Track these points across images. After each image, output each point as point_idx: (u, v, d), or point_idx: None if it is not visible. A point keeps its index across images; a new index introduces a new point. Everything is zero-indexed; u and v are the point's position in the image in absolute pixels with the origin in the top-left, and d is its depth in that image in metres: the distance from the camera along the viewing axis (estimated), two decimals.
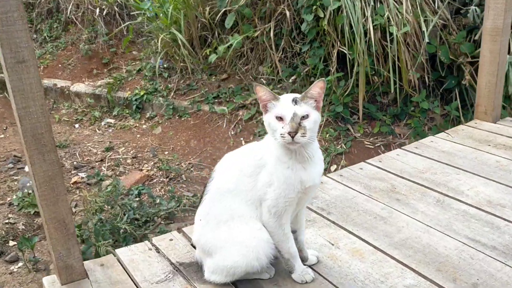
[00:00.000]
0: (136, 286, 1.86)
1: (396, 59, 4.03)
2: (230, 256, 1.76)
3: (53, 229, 1.71)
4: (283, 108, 1.66)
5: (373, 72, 4.18)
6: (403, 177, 2.65)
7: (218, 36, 5.38)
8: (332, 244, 2.09)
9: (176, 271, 1.93)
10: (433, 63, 4.27)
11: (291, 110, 1.64)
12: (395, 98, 4.44)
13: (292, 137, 1.62)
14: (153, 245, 2.10)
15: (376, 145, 4.33)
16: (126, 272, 1.93)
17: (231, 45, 4.84)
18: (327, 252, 2.05)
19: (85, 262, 1.92)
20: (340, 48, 4.22)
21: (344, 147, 4.33)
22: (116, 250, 2.04)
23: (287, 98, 1.70)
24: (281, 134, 1.64)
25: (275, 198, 1.74)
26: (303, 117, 1.65)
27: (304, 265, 1.93)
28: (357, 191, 2.53)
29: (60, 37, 7.20)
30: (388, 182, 2.60)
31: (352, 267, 1.95)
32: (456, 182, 2.56)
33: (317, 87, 1.69)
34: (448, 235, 2.13)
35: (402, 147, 2.99)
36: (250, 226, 1.77)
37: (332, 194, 2.50)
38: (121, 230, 3.34)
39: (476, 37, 3.95)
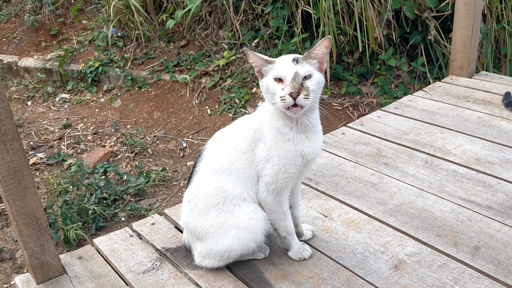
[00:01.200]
0: (122, 278, 1.72)
1: (362, 17, 3.93)
2: (225, 240, 1.64)
3: (23, 226, 1.54)
4: (283, 68, 1.51)
5: (339, 32, 4.08)
6: (387, 140, 2.58)
7: (174, 0, 5.12)
8: (325, 216, 2.01)
9: (163, 257, 1.80)
10: (397, 19, 4.20)
11: (292, 70, 1.50)
12: (360, 57, 4.37)
13: (294, 99, 1.47)
14: (134, 231, 1.93)
15: (344, 106, 4.28)
16: (108, 263, 1.78)
17: (189, 9, 4.61)
18: (322, 225, 1.96)
19: (62, 256, 1.76)
20: (305, 8, 4.08)
21: None
22: (94, 239, 1.87)
23: (286, 58, 1.56)
24: (281, 97, 1.48)
25: (274, 174, 1.61)
26: (305, 77, 1.50)
27: (300, 241, 1.85)
28: (342, 157, 2.44)
29: (1, 9, 6.70)
30: (373, 146, 2.53)
31: (350, 239, 1.87)
32: (441, 141, 2.52)
33: (322, 46, 1.53)
34: (442, 198, 2.08)
35: (382, 109, 2.91)
36: (244, 209, 1.65)
37: (318, 162, 2.40)
38: (90, 211, 3.17)
39: None
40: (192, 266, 1.74)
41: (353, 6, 3.93)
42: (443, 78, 4.06)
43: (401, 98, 4.07)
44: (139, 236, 1.88)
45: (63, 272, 1.69)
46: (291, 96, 1.46)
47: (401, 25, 4.15)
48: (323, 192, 2.18)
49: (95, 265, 1.75)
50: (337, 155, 2.47)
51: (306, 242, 1.89)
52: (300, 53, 4.25)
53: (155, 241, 1.86)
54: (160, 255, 1.81)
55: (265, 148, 1.61)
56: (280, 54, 4.43)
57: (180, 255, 1.80)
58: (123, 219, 3.29)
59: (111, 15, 5.18)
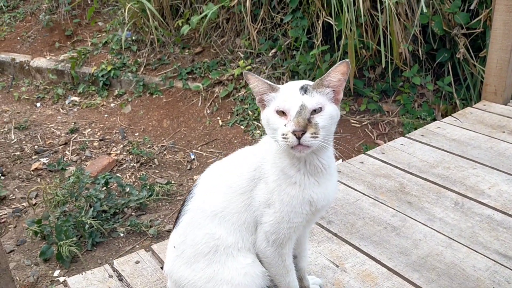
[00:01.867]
0: None
1: (386, 31, 3.70)
2: None
3: None
4: (287, 99, 1.26)
5: (361, 45, 3.85)
6: (412, 173, 2.29)
7: (191, 6, 4.95)
8: (337, 266, 1.74)
9: None
10: (424, 35, 3.95)
11: (298, 101, 1.25)
12: (382, 72, 4.13)
13: (298, 138, 1.21)
14: (114, 270, 1.69)
15: (363, 123, 4.04)
16: None
17: (206, 15, 4.42)
18: (332, 277, 1.69)
19: None
20: (326, 19, 3.86)
21: None
22: (68, 279, 1.64)
23: (292, 86, 1.31)
24: (283, 135, 1.24)
25: (275, 222, 1.35)
26: (315, 111, 1.25)
27: None
28: (360, 192, 2.15)
29: (18, 7, 6.61)
30: (395, 179, 2.23)
31: None
32: (474, 178, 2.23)
33: (338, 72, 1.28)
34: (475, 251, 1.79)
35: (406, 135, 2.61)
36: (239, 261, 1.40)
37: None
38: (87, 226, 2.98)
39: (472, 7, 3.64)
40: None
41: (378, 19, 3.70)
42: (470, 99, 3.80)
43: (424, 118, 3.83)
44: (120, 277, 1.64)
45: None
46: (295, 134, 1.22)
47: (428, 41, 3.91)
48: (335, 234, 1.91)
49: None
50: (354, 189, 2.20)
51: None
52: (318, 67, 4.04)
53: (136, 285, 1.62)
54: None
55: (266, 190, 1.37)
56: (298, 66, 4.22)
57: None
58: (121, 234, 3.09)
59: (126, 18, 5.02)
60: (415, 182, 2.23)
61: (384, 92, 4.16)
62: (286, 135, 1.23)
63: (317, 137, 1.22)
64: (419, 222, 1.96)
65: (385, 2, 3.51)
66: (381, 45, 3.65)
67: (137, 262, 1.73)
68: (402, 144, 2.51)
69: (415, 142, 2.54)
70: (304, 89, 1.28)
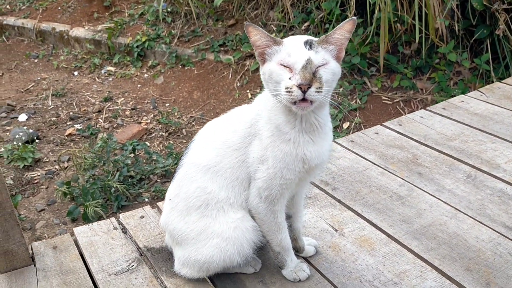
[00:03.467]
0: (91, 277, 1.54)
1: (422, 4, 3.57)
2: (204, 250, 1.41)
3: None
4: (292, 53, 1.23)
5: (396, 19, 3.73)
6: (427, 145, 2.21)
7: None
8: (336, 230, 1.72)
9: (142, 258, 1.61)
10: (463, 10, 3.79)
11: (304, 55, 1.22)
12: (418, 49, 4.00)
13: (304, 92, 1.20)
14: (119, 223, 1.75)
15: (395, 100, 3.94)
16: (82, 258, 1.61)
17: None
18: (329, 240, 1.68)
19: (36, 244, 1.61)
20: None
21: (360, 102, 3.95)
22: (74, 228, 1.71)
23: (297, 39, 1.28)
24: (287, 88, 1.21)
25: (268, 178, 1.35)
26: (319, 66, 1.23)
27: (298, 257, 1.59)
28: (370, 161, 2.11)
29: None
30: (408, 150, 2.17)
31: (359, 261, 1.58)
32: (491, 152, 2.14)
33: (344, 30, 1.26)
34: (480, 222, 1.74)
35: (427, 108, 2.52)
36: (230, 216, 1.41)
37: (339, 164, 2.09)
38: (113, 189, 3.07)
39: None
40: (170, 272, 1.53)
41: None
42: (509, 77, 3.64)
43: None
44: (124, 229, 1.70)
45: (31, 262, 1.53)
46: (300, 88, 1.20)
47: (466, 17, 3.74)
48: (339, 201, 1.88)
49: (68, 258, 1.58)
50: (364, 158, 2.15)
51: (306, 259, 1.62)
52: (351, 41, 3.95)
53: (138, 238, 1.67)
54: (140, 255, 1.62)
55: (260, 147, 1.35)
56: None
57: (161, 258, 1.60)
58: (146, 199, 3.17)
59: None
60: (429, 153, 2.17)
61: (419, 69, 4.04)
62: (290, 88, 1.21)
63: (321, 91, 1.22)
64: (426, 192, 1.92)
65: None
66: (415, 19, 3.52)
67: (142, 217, 1.78)
68: (422, 117, 2.44)
69: (435, 115, 2.45)
70: (309, 44, 1.25)
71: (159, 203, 1.88)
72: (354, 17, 1.28)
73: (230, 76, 4.59)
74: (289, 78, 1.22)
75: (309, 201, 1.86)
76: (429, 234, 1.71)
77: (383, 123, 2.42)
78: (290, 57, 1.24)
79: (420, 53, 3.97)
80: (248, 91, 4.41)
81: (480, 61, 3.71)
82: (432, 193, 1.91)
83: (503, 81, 2.96)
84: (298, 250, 1.62)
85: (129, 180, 3.25)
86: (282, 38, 4.31)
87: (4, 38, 6.27)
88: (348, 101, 3.93)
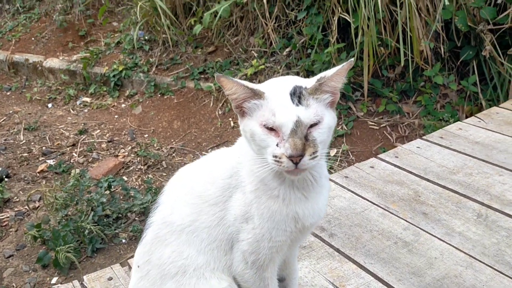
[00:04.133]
0: None
1: (406, 28, 3.48)
2: None
3: None
4: (277, 111, 1.02)
5: (380, 43, 3.63)
6: (428, 180, 2.04)
7: (204, 4, 4.80)
8: None
9: None
10: (447, 32, 3.71)
11: (291, 116, 1.01)
12: (403, 72, 3.91)
13: (296, 163, 1.01)
14: (84, 287, 1.54)
15: (382, 125, 3.82)
16: None
17: (217, 13, 4.27)
18: None
19: None
20: (342, 15, 3.66)
21: (346, 128, 3.81)
22: None
23: (281, 90, 1.05)
24: (276, 157, 1.02)
25: (254, 241, 1.14)
26: (313, 125, 1.04)
27: None
28: (368, 200, 1.92)
29: (33, 8, 6.59)
30: (409, 186, 1.99)
31: None
32: (499, 187, 1.98)
33: (342, 75, 1.07)
34: (501, 272, 1.55)
35: (423, 137, 2.36)
36: (212, 284, 1.17)
37: (335, 205, 1.90)
38: (87, 231, 2.85)
39: (499, 0, 3.39)
40: None
41: (397, 14, 3.49)
42: (498, 100, 3.54)
43: (448, 120, 3.59)
44: None
45: None
46: (292, 160, 1.01)
47: (451, 38, 3.67)
48: (337, 250, 1.68)
49: None
50: (362, 197, 1.96)
51: None
52: (334, 65, 3.84)
53: None
54: None
55: (243, 201, 1.15)
56: (313, 66, 4.02)
57: None
58: (123, 240, 2.95)
59: (138, 17, 4.91)
60: (432, 189, 1.98)
61: (404, 93, 3.94)
62: (279, 158, 1.02)
63: (316, 156, 1.03)
64: (435, 236, 1.73)
65: None
66: (400, 42, 3.43)
67: (110, 279, 1.56)
68: (419, 147, 2.26)
69: (433, 144, 2.29)
70: (297, 96, 1.04)
71: (130, 260, 1.66)
72: (352, 59, 1.10)
73: (211, 104, 4.43)
74: (277, 144, 1.03)
75: (303, 252, 1.66)
76: None
77: (378, 155, 2.25)
78: (274, 117, 1.03)
79: (404, 76, 3.87)
80: (230, 119, 4.25)
81: (467, 83, 3.62)
82: (442, 238, 1.72)
83: (500, 105, 2.83)
84: None
85: (105, 219, 3.03)
86: (263, 63, 4.10)
87: None
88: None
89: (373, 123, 3.84)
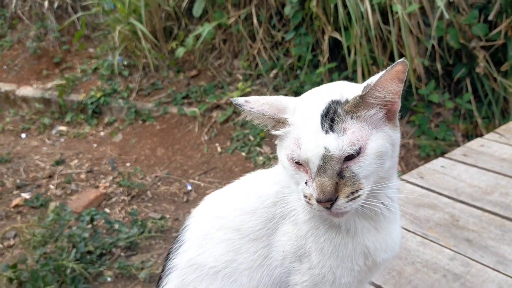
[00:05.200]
0: None
1: (398, 45, 3.39)
2: None
3: None
4: (302, 141, 0.83)
5: (372, 61, 3.53)
6: (462, 202, 1.86)
7: (186, 27, 4.66)
8: None
9: None
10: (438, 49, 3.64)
11: (318, 148, 0.82)
12: None
13: (328, 208, 0.83)
14: None
15: None
16: None
17: (201, 35, 4.12)
18: None
19: None
20: (332, 34, 3.56)
21: None
22: None
23: (310, 110, 0.85)
24: (306, 198, 0.85)
25: (312, 284, 0.93)
26: (350, 157, 0.83)
27: None
28: (403, 227, 1.69)
29: (5, 35, 6.33)
30: (443, 210, 1.81)
31: None
32: None
33: (393, 80, 0.83)
34: None
35: (446, 156, 2.18)
36: None
37: None
38: (68, 270, 2.59)
39: (491, 17, 3.35)
40: None
41: (389, 32, 3.40)
42: (493, 117, 3.47)
43: (443, 139, 3.48)
44: None
45: None
46: (320, 203, 0.82)
47: (442, 56, 3.60)
48: (379, 287, 1.44)
49: None
50: None
51: None
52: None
53: None
54: None
55: (294, 235, 0.95)
56: (302, 87, 3.89)
57: None
58: (109, 279, 2.70)
59: (117, 42, 4.73)
60: (470, 213, 1.80)
61: None
62: (309, 199, 0.84)
63: (358, 195, 0.83)
64: (487, 266, 1.53)
65: (397, 13, 3.21)
66: (394, 60, 3.33)
67: None
68: (443, 166, 2.10)
69: (457, 163, 2.12)
70: (329, 119, 0.83)
71: None
72: (404, 59, 0.86)
73: (196, 130, 4.23)
74: (306, 183, 0.85)
75: None
76: None
77: (401, 176, 2.08)
78: (299, 149, 0.85)
79: None
80: (217, 144, 4.06)
81: (461, 101, 3.53)
82: (495, 267, 1.53)
83: None
84: None
85: (88, 256, 2.77)
86: (250, 86, 3.92)
87: None
88: None
89: (412, 171, 3.68)
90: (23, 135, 4.84)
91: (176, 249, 1.03)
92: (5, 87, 5.43)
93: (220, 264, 0.97)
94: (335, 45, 3.73)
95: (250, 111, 0.88)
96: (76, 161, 4.18)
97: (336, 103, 0.85)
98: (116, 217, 3.28)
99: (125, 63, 5.00)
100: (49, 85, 5.25)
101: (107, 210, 3.36)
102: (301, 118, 0.86)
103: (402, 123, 3.78)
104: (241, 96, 3.69)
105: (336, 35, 3.52)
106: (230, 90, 4.31)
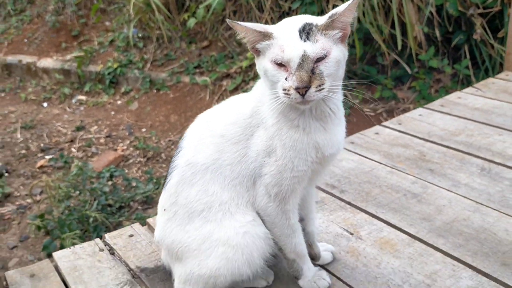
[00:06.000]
0: None
1: (400, 14, 3.54)
2: (209, 261, 1.22)
3: None
4: (285, 48, 1.09)
5: (374, 29, 3.69)
6: (432, 142, 2.11)
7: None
8: (351, 234, 1.58)
9: (136, 280, 1.42)
10: (439, 17, 3.78)
11: (298, 51, 1.08)
12: (396, 60, 3.97)
13: (303, 95, 1.08)
14: (106, 244, 1.56)
15: (378, 112, 3.88)
16: (66, 285, 1.39)
17: (211, 6, 4.31)
18: (346, 245, 1.53)
19: (10, 273, 1.40)
20: (336, 3, 3.72)
21: None
22: (54, 253, 1.51)
23: (289, 28, 1.12)
24: (285, 90, 1.10)
25: (277, 172, 1.20)
26: (319, 58, 1.10)
27: (315, 265, 1.42)
28: (376, 161, 1.98)
29: (25, 10, 6.58)
30: (414, 148, 2.07)
31: (383, 265, 1.43)
32: (500, 144, 2.06)
33: (352, 9, 1.11)
34: (506, 214, 1.63)
35: (425, 106, 2.44)
36: (237, 219, 1.23)
37: (343, 166, 1.96)
38: (91, 219, 2.86)
39: None
40: None
41: (390, 1, 3.55)
42: None
43: None
44: (111, 250, 1.50)
45: None
46: (298, 91, 1.08)
47: (442, 24, 3.74)
48: (349, 203, 1.74)
49: (48, 286, 1.37)
50: (369, 158, 2.02)
51: (323, 267, 1.45)
52: None
53: (129, 258, 1.47)
54: (133, 277, 1.42)
55: (265, 137, 1.21)
56: None
57: (157, 278, 1.40)
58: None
59: (132, 14, 4.94)
60: (436, 150, 2.06)
61: (399, 79, 4.00)
62: (288, 90, 1.09)
63: (322, 88, 1.10)
64: (442, 188, 1.80)
65: None
66: (396, 28, 3.49)
67: (131, 236, 1.60)
68: (421, 115, 2.34)
69: (434, 112, 2.36)
70: (306, 32, 1.10)
71: (150, 219, 1.70)
72: None
73: (207, 98, 4.46)
74: (286, 79, 1.10)
75: (316, 206, 1.72)
76: (453, 230, 1.58)
77: (382, 123, 2.31)
78: (283, 52, 1.10)
79: (398, 63, 3.93)
80: None
81: (460, 67, 3.69)
82: (448, 189, 1.80)
83: (496, 76, 2.92)
84: (314, 258, 1.45)
85: (108, 208, 3.04)
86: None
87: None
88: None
89: (369, 110, 3.90)
90: (45, 104, 5.12)
91: (177, 154, 1.31)
92: (26, 59, 5.71)
93: (209, 161, 1.24)
94: None
95: (245, 26, 1.13)
96: (95, 127, 4.45)
97: (310, 24, 1.12)
98: (133, 176, 3.55)
99: (140, 35, 5.22)
100: (68, 57, 5.51)
101: (125, 170, 3.62)
102: (284, 32, 1.13)
103: (404, 89, 3.95)
104: (250, 65, 3.88)
105: (340, 3, 3.68)
106: (240, 59, 4.51)
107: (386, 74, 4.01)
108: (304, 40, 1.09)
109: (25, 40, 6.07)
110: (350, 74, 4.04)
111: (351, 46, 3.74)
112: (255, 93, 1.27)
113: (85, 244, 1.57)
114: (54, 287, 1.38)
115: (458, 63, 3.75)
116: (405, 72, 3.91)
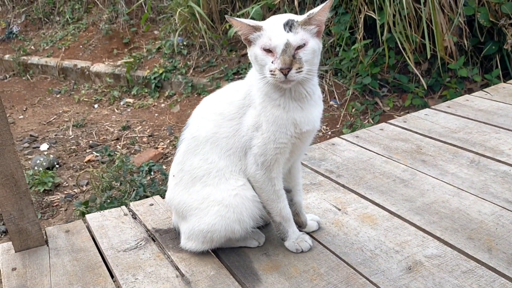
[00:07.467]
0: (101, 254, 1.61)
1: (430, 24, 3.65)
2: (206, 218, 1.47)
3: (0, 185, 1.44)
4: (272, 37, 1.33)
5: (405, 39, 3.81)
6: (431, 137, 2.27)
7: (239, 10, 5.10)
8: (339, 209, 1.78)
9: (151, 238, 1.68)
10: (470, 28, 3.86)
11: (283, 39, 1.32)
12: (428, 68, 4.06)
13: (285, 75, 1.31)
14: (130, 210, 1.83)
15: None
16: (93, 239, 1.67)
17: (249, 15, 4.54)
18: (332, 218, 1.74)
19: (49, 228, 1.68)
20: (368, 13, 3.87)
21: (372, 122, 3.98)
22: (87, 215, 1.78)
23: (276, 22, 1.36)
24: (271, 71, 1.33)
25: (263, 144, 1.43)
26: (299, 47, 1.33)
27: (301, 231, 1.64)
28: (374, 152, 2.17)
29: (81, 18, 7.08)
30: (413, 142, 2.24)
31: (361, 234, 1.64)
32: (495, 141, 2.18)
33: (326, 10, 1.35)
34: (483, 199, 1.78)
35: (432, 107, 2.59)
36: (230, 183, 1.48)
37: (344, 156, 2.16)
38: None
39: None
40: (177, 248, 1.59)
41: (421, 11, 3.66)
42: None
43: None
44: (134, 215, 1.77)
45: (44, 242, 1.59)
46: (282, 72, 1.31)
47: (474, 35, 3.80)
48: (343, 186, 1.94)
49: (79, 239, 1.64)
50: (369, 150, 2.21)
51: (309, 234, 1.67)
52: (361, 62, 4.03)
53: (147, 221, 1.74)
54: (149, 236, 1.68)
55: (254, 114, 1.45)
56: (340, 63, 4.23)
57: (168, 237, 1.66)
58: None
59: (177, 23, 5.26)
60: (433, 144, 2.22)
61: (430, 88, 4.08)
62: (273, 71, 1.32)
63: (301, 71, 1.32)
64: (430, 176, 1.96)
65: None
66: (425, 37, 3.59)
67: (151, 205, 1.84)
68: (426, 114, 2.49)
69: (440, 112, 2.50)
70: (289, 26, 1.34)
71: None
72: None
73: None
74: (272, 62, 1.33)
75: (313, 187, 1.94)
76: (431, 210, 1.75)
77: (388, 121, 2.46)
78: (271, 41, 1.33)
79: (430, 73, 4.02)
80: None
81: (491, 77, 3.73)
82: (435, 176, 1.95)
83: (508, 81, 3.00)
84: (300, 225, 1.67)
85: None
86: None
87: (29, 77, 6.54)
88: (361, 121, 3.96)
89: (399, 117, 3.99)
90: (96, 106, 5.52)
91: (184, 129, 1.57)
92: (81, 64, 6.16)
93: (209, 135, 1.49)
94: (371, 25, 4.02)
95: (240, 21, 1.37)
96: (139, 127, 4.77)
97: (292, 20, 1.36)
98: None
99: (184, 42, 5.53)
100: (119, 62, 5.91)
101: (164, 166, 3.89)
102: (271, 26, 1.37)
103: (435, 98, 4.03)
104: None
105: (372, 14, 3.82)
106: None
107: (417, 83, 4.10)
108: (288, 32, 1.33)
109: (81, 46, 6.55)
110: (382, 82, 4.16)
111: (382, 55, 3.87)
112: (248, 80, 1.52)
113: (113, 209, 1.83)
114: (84, 240, 1.66)
115: (490, 73, 3.80)
116: (436, 81, 3.98)
